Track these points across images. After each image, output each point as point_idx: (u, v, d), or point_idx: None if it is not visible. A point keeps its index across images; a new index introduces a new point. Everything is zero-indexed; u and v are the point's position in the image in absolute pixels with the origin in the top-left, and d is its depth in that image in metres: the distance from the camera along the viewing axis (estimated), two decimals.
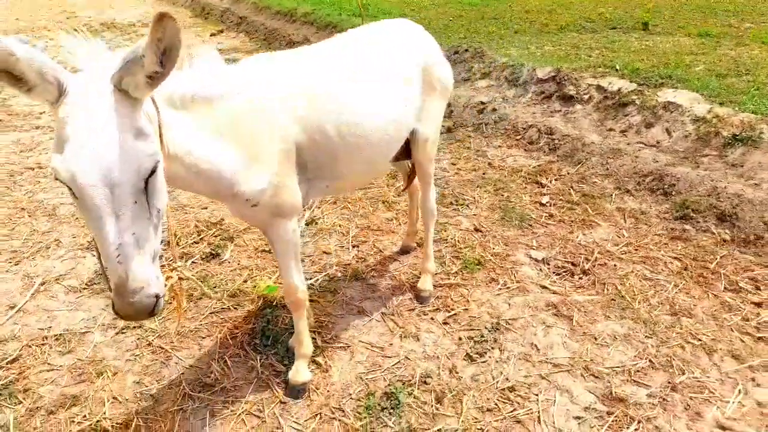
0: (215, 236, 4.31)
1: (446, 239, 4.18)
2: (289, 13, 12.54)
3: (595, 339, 3.12)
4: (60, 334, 3.28)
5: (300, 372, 2.84)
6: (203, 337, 3.25)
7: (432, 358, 3.05)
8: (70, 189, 1.48)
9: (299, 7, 12.60)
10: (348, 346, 3.16)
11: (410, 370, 2.96)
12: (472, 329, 3.25)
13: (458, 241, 4.14)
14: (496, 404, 2.74)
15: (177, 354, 3.12)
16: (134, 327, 3.32)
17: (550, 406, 2.71)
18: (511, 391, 2.81)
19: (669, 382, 2.80)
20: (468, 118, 6.62)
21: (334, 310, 3.45)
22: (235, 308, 3.49)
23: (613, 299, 3.43)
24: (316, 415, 2.71)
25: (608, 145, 5.30)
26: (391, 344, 3.17)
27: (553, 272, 3.75)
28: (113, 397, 2.83)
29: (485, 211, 4.59)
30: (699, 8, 10.44)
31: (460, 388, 2.84)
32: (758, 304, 3.29)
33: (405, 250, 4.07)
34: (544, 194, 4.80)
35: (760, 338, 3.04)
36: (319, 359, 3.04)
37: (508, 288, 3.60)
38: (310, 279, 3.75)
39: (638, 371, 2.88)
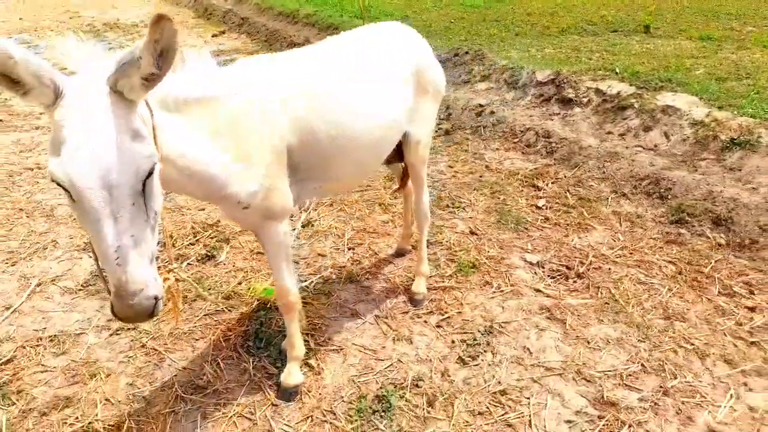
0: (211, 238, 4.33)
1: (441, 242, 4.18)
2: (291, 15, 12.57)
3: (588, 343, 3.12)
4: (54, 336, 3.29)
5: (292, 374, 2.85)
6: (197, 339, 3.26)
7: (424, 361, 3.06)
8: (67, 191, 1.48)
9: (301, 8, 12.62)
10: (341, 349, 3.17)
11: (402, 373, 2.97)
12: (465, 332, 3.25)
13: (453, 244, 4.14)
14: (487, 408, 2.74)
15: (170, 356, 3.13)
16: (128, 329, 3.33)
17: (541, 410, 2.71)
18: (502, 395, 2.81)
19: (661, 387, 2.79)
20: (466, 121, 6.62)
21: (328, 313, 3.46)
22: (229, 310, 3.50)
23: (606, 303, 3.42)
24: (308, 417, 2.72)
25: (605, 149, 5.30)
26: (384, 347, 3.17)
27: (548, 276, 3.75)
28: (106, 399, 2.84)
29: (481, 214, 4.59)
30: (701, 11, 10.42)
31: (452, 392, 2.84)
32: (752, 309, 3.28)
33: (400, 253, 4.07)
34: (541, 197, 4.80)
35: (752, 343, 3.03)
36: (312, 362, 3.04)
37: (502, 291, 3.60)
38: (305, 281, 3.76)
39: (630, 375, 2.88)
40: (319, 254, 4.11)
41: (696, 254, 3.83)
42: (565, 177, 5.12)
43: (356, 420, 2.68)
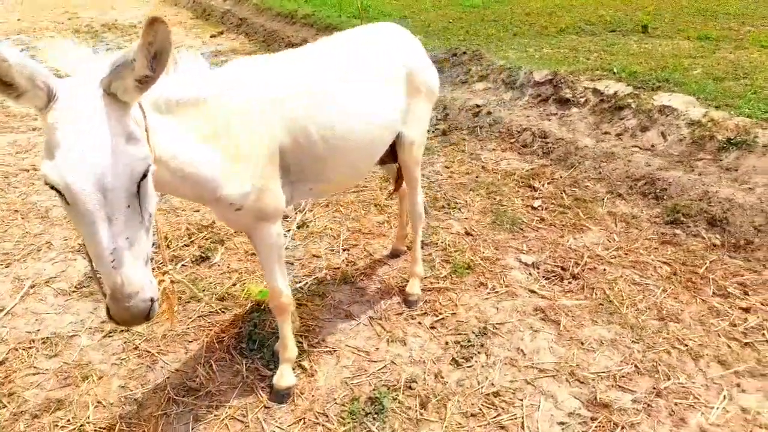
0: (206, 239, 4.32)
1: (436, 243, 4.17)
2: (289, 15, 12.56)
3: (582, 344, 3.11)
4: (47, 338, 3.28)
5: (284, 376, 2.84)
6: (190, 341, 3.26)
7: (418, 362, 3.05)
8: (61, 195, 1.47)
9: (300, 8, 12.61)
10: (334, 351, 3.16)
11: (396, 375, 2.96)
12: (459, 334, 3.24)
13: (448, 245, 4.13)
14: (480, 409, 2.73)
15: (163, 358, 3.12)
16: (121, 330, 3.32)
17: (534, 412, 2.70)
18: (495, 396, 2.81)
19: (654, 388, 2.79)
20: (463, 121, 6.61)
21: (322, 314, 3.45)
22: (223, 312, 3.49)
23: (601, 304, 3.42)
24: (300, 419, 2.71)
25: (602, 149, 5.29)
26: (378, 349, 3.16)
27: (543, 276, 3.74)
28: (98, 401, 2.83)
29: (477, 214, 4.58)
30: (699, 11, 10.40)
31: (445, 393, 2.83)
32: (746, 310, 3.27)
33: (395, 254, 4.07)
34: (536, 198, 4.79)
35: (746, 344, 3.02)
36: (305, 363, 3.03)
37: (496, 292, 3.59)
38: (300, 282, 3.75)
39: (624, 376, 2.87)
40: (314, 255, 4.10)
41: (691, 255, 3.83)
42: (561, 177, 5.11)
43: (349, 422, 2.67)
